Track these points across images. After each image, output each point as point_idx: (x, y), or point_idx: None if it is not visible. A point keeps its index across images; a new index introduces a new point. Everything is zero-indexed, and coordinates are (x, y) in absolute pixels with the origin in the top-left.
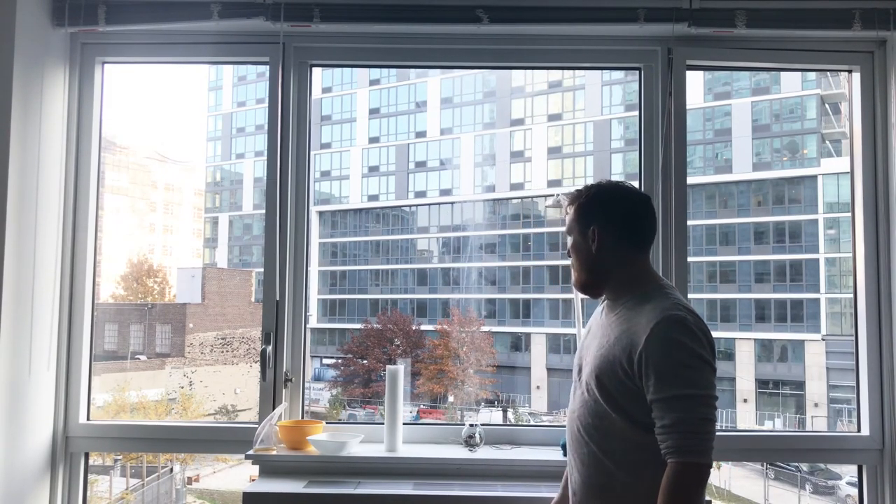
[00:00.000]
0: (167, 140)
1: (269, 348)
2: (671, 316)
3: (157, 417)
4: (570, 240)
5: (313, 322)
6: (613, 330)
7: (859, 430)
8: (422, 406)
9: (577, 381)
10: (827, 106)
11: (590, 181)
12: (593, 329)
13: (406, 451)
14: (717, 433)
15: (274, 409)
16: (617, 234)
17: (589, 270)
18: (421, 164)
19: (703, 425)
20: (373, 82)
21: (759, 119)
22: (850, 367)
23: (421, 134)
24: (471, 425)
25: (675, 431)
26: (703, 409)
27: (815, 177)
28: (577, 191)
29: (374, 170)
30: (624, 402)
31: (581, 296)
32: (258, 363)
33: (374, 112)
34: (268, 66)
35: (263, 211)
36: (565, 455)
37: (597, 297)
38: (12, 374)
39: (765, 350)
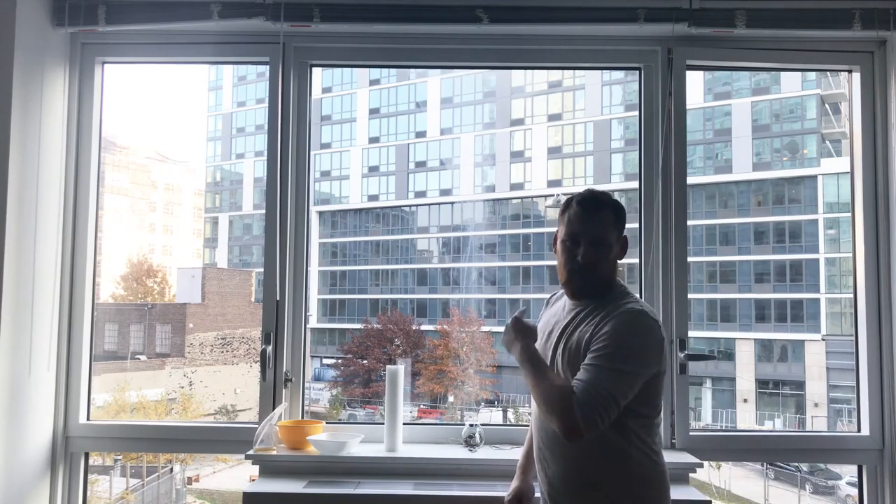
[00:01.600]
0: (167, 140)
1: (269, 348)
2: (630, 309)
3: (157, 417)
4: (602, 243)
5: (313, 322)
6: (585, 330)
7: (859, 430)
8: (422, 406)
9: None
10: (827, 106)
11: (590, 181)
12: (554, 333)
13: (406, 451)
14: (717, 433)
15: (274, 409)
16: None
17: (606, 275)
18: (421, 164)
19: (606, 401)
20: (373, 82)
21: (759, 119)
22: (850, 367)
23: (421, 134)
24: (471, 425)
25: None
26: (616, 386)
27: (815, 177)
28: (605, 196)
29: (374, 170)
30: None
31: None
32: (258, 363)
33: (374, 112)
34: (268, 66)
35: (263, 211)
36: None
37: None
38: (12, 374)
39: (765, 350)
